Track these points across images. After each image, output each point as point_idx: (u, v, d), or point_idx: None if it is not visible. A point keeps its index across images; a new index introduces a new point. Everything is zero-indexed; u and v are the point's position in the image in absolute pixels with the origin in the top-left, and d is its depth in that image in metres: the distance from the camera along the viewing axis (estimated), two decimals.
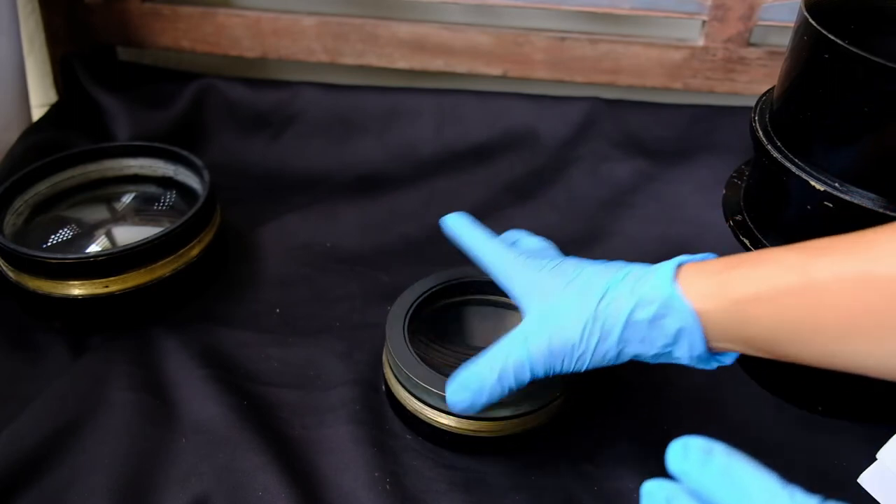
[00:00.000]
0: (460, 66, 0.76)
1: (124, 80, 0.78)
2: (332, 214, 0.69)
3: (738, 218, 0.50)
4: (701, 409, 0.51)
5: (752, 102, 0.51)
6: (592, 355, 0.38)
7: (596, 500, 0.45)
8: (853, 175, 0.41)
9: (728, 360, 0.39)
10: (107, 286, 0.53)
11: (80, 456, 0.46)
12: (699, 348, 0.37)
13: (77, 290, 0.52)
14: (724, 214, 0.51)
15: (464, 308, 0.54)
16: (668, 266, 0.38)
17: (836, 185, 0.41)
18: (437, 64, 0.76)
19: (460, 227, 0.47)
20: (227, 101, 0.77)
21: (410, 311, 0.50)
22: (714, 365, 0.39)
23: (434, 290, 0.52)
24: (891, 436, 0.42)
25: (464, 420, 0.45)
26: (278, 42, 0.77)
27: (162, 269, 0.55)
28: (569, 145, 0.74)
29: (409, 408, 0.47)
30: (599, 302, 0.38)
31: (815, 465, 0.47)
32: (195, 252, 0.57)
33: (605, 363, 0.39)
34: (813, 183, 0.42)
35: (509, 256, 0.44)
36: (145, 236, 0.53)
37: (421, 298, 0.51)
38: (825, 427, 0.50)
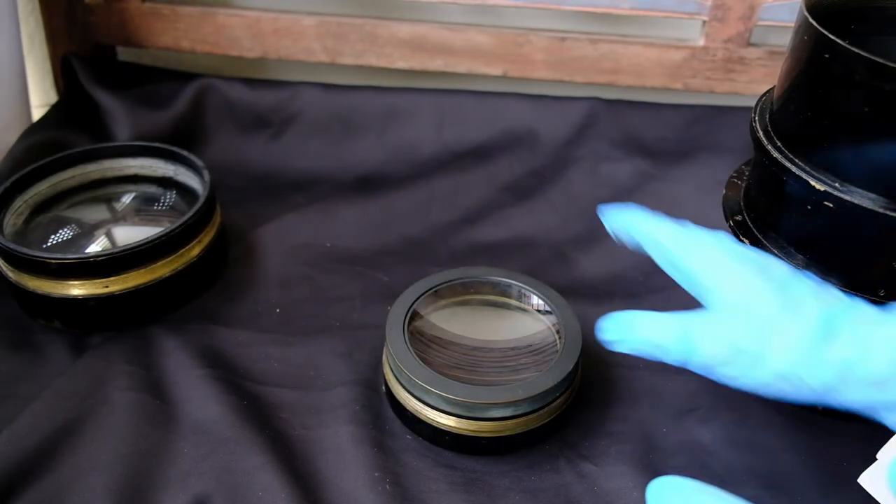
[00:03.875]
0: (460, 66, 0.76)
1: (124, 80, 0.78)
2: (332, 214, 0.69)
3: (738, 218, 0.50)
4: (700, 410, 0.51)
5: (752, 102, 0.51)
6: (773, 386, 0.34)
7: (596, 500, 0.45)
8: (853, 175, 0.41)
9: None
10: (107, 286, 0.53)
11: (80, 456, 0.46)
12: None
13: (77, 290, 0.52)
14: (724, 214, 0.51)
15: (464, 308, 0.54)
16: None
17: (836, 185, 0.41)
18: (437, 64, 0.76)
19: (628, 217, 0.43)
20: (227, 101, 0.77)
21: (410, 311, 0.50)
22: None
23: (434, 290, 0.52)
24: (891, 436, 0.42)
25: (464, 420, 0.45)
26: (278, 42, 0.77)
27: (162, 269, 0.55)
28: (569, 145, 0.74)
29: (409, 408, 0.47)
30: (811, 329, 0.32)
31: (815, 465, 0.47)
32: (195, 252, 0.57)
33: (779, 396, 0.34)
34: (813, 183, 0.42)
35: (702, 235, 0.39)
36: (145, 236, 0.53)
37: (421, 298, 0.51)
38: (825, 427, 0.50)
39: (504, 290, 0.54)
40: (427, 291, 0.52)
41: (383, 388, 0.51)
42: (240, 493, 0.44)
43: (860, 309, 0.34)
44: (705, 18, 0.69)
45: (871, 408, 0.33)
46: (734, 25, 0.69)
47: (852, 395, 0.33)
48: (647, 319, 0.39)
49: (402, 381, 0.47)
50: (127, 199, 0.64)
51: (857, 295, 0.42)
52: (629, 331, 0.39)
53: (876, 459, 0.43)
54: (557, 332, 0.50)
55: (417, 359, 0.46)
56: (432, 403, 0.46)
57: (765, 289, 0.35)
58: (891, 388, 0.31)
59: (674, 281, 0.62)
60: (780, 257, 0.46)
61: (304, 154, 0.76)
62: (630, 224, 0.42)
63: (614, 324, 0.40)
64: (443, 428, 0.46)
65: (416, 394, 0.46)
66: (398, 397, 0.48)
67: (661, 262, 0.41)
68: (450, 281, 0.53)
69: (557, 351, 0.48)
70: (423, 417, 0.46)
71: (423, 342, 0.50)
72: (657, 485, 0.31)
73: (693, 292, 0.39)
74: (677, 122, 0.74)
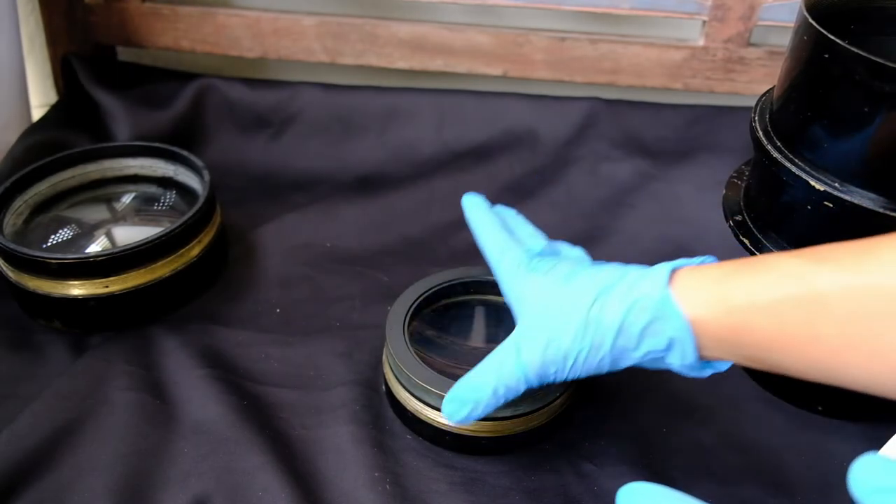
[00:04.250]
0: (460, 66, 0.76)
1: (124, 80, 0.78)
2: (332, 214, 0.69)
3: (738, 218, 0.50)
4: (700, 410, 0.51)
5: (752, 102, 0.51)
6: (584, 364, 0.38)
7: (596, 500, 0.45)
8: (853, 175, 0.41)
9: (723, 366, 0.38)
10: (107, 286, 0.53)
11: (80, 456, 0.46)
12: (690, 357, 0.36)
13: (77, 290, 0.52)
14: (724, 214, 0.51)
15: (464, 308, 0.54)
16: (661, 270, 0.36)
17: (836, 185, 0.41)
18: (437, 64, 0.76)
19: (473, 211, 0.47)
20: (227, 101, 0.77)
21: (410, 311, 0.50)
22: (708, 372, 0.38)
23: (434, 290, 0.52)
24: (891, 436, 0.42)
25: None
26: (278, 42, 0.77)
27: (162, 269, 0.55)
28: (569, 145, 0.74)
29: (409, 408, 0.47)
30: (591, 308, 0.37)
31: (814, 465, 0.47)
32: (195, 252, 0.57)
33: (599, 371, 0.38)
34: (813, 183, 0.42)
35: (509, 256, 0.43)
36: (145, 236, 0.53)
37: (421, 298, 0.51)
38: (825, 427, 0.50)
39: None
40: (427, 291, 0.52)
41: (383, 387, 0.51)
42: (240, 493, 0.44)
43: (628, 275, 0.38)
44: (705, 18, 0.69)
45: (658, 357, 0.37)
46: (734, 25, 0.69)
47: (640, 349, 0.36)
48: (483, 375, 0.40)
49: (402, 381, 0.47)
50: (127, 199, 0.64)
51: None
52: (474, 397, 0.40)
53: None
54: None
55: (417, 359, 0.46)
56: (432, 403, 0.46)
57: (551, 288, 0.39)
58: (659, 331, 0.36)
59: None
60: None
61: (304, 154, 0.76)
62: (469, 218, 0.47)
63: (456, 404, 0.41)
64: (443, 428, 0.46)
65: (416, 394, 0.46)
66: (398, 397, 0.48)
67: (486, 258, 0.45)
68: (450, 281, 0.53)
69: None
70: (423, 417, 0.46)
71: (423, 342, 0.50)
72: (626, 491, 0.32)
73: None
74: (677, 122, 0.74)
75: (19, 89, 0.74)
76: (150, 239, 0.53)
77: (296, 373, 0.53)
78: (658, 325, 0.36)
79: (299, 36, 0.76)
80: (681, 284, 0.36)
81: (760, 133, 0.47)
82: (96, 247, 0.58)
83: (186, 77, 0.79)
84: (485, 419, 0.45)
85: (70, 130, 0.74)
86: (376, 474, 0.45)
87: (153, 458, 0.46)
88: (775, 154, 0.44)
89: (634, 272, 0.38)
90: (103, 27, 0.79)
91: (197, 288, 0.59)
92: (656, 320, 0.36)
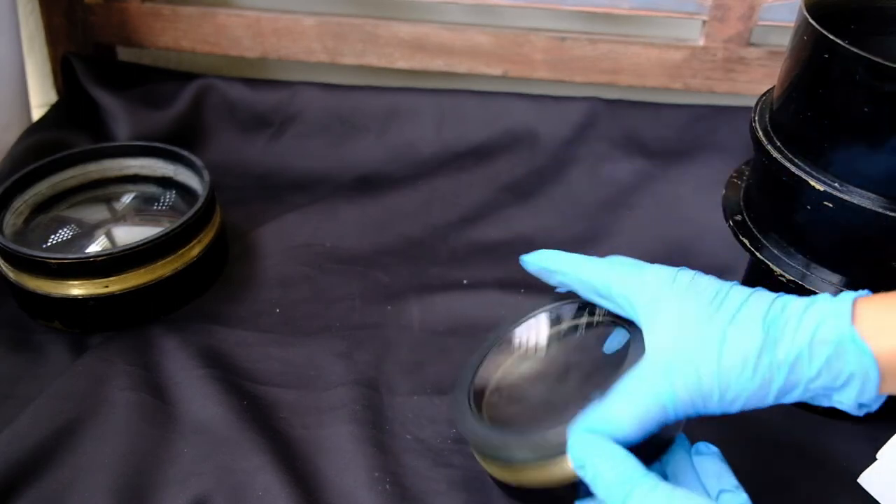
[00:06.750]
0: (460, 66, 0.76)
1: (124, 80, 0.78)
2: (332, 214, 0.69)
3: (738, 218, 0.50)
4: None
5: (752, 102, 0.51)
6: (748, 399, 0.33)
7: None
8: (853, 175, 0.41)
9: (876, 405, 0.34)
10: (107, 286, 0.53)
11: (80, 456, 0.46)
12: (871, 393, 0.32)
13: (77, 290, 0.52)
14: (724, 214, 0.51)
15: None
16: (843, 301, 0.33)
17: (836, 185, 0.41)
18: (437, 64, 0.76)
19: (547, 256, 0.41)
20: (227, 101, 0.77)
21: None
22: (864, 411, 0.34)
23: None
24: (891, 436, 0.42)
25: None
26: (278, 42, 0.77)
27: (162, 269, 0.55)
28: (569, 145, 0.74)
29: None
30: (764, 341, 0.32)
31: (815, 465, 0.47)
32: (195, 252, 0.57)
33: (759, 407, 0.34)
34: (813, 183, 0.42)
35: (626, 263, 0.38)
36: (145, 236, 0.53)
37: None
38: (825, 427, 0.50)
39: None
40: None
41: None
42: (240, 493, 0.44)
43: (791, 303, 0.34)
44: (705, 18, 0.69)
45: (825, 394, 0.33)
46: (734, 25, 0.69)
47: (813, 385, 0.33)
48: (621, 405, 0.34)
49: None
50: (127, 199, 0.64)
51: None
52: (610, 429, 0.33)
53: (876, 459, 0.43)
54: None
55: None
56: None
57: (701, 309, 0.34)
58: (837, 368, 0.32)
59: None
60: (780, 258, 0.46)
61: (304, 154, 0.76)
62: (549, 267, 0.41)
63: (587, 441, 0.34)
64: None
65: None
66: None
67: (590, 296, 0.40)
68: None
69: None
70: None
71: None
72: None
73: (633, 318, 0.38)
74: (677, 121, 0.74)
75: (19, 89, 0.74)
76: (150, 239, 0.53)
77: (296, 373, 0.53)
78: (838, 363, 0.32)
79: (299, 36, 0.76)
80: (861, 316, 0.32)
81: (760, 133, 0.47)
82: (96, 247, 0.58)
83: (186, 77, 0.79)
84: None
85: (70, 130, 0.74)
86: (376, 474, 0.45)
87: (153, 458, 0.46)
88: (775, 154, 0.44)
89: (797, 301, 0.34)
90: (103, 27, 0.79)
91: (197, 288, 0.59)
92: (836, 358, 0.32)
